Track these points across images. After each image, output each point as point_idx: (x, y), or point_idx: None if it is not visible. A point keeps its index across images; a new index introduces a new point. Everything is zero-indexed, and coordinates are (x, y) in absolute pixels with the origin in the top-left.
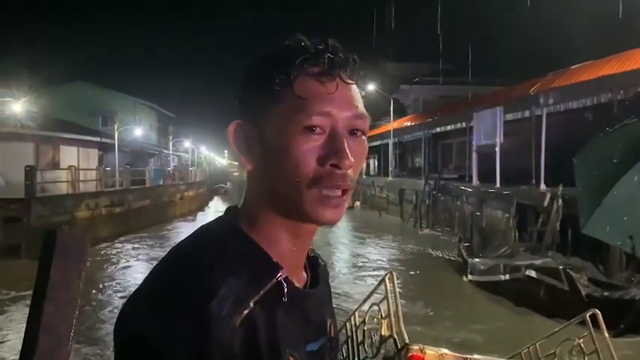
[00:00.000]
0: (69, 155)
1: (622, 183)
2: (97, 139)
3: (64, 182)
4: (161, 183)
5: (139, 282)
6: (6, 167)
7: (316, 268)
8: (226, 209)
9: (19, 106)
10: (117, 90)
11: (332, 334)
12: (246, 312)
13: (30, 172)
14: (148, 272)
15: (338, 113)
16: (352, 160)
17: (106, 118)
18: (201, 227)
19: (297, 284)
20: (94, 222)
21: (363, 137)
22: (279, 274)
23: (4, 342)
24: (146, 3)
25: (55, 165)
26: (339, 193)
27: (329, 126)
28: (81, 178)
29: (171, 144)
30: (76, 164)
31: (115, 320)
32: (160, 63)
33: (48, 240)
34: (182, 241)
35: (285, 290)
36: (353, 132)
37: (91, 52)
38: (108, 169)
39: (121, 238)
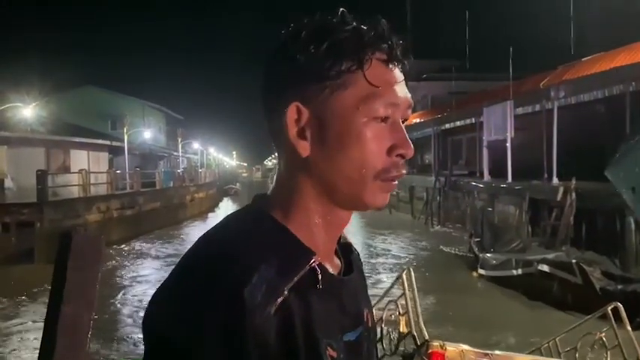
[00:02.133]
0: (79, 159)
1: None
2: (107, 142)
3: (75, 186)
4: (171, 185)
5: (153, 282)
6: (18, 172)
7: (349, 255)
8: (254, 197)
9: (29, 111)
10: (125, 93)
11: (370, 325)
12: (280, 299)
13: (41, 176)
14: (163, 272)
15: (401, 103)
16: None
17: (116, 121)
18: (228, 216)
19: (331, 271)
20: (105, 225)
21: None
22: (312, 260)
23: (22, 345)
24: (154, 6)
25: (65, 169)
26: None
27: (392, 115)
28: (92, 181)
29: (180, 146)
30: (86, 168)
31: (134, 318)
32: (168, 66)
33: (63, 242)
34: (210, 230)
35: (320, 277)
36: (402, 121)
37: (99, 57)
38: (118, 172)
39: (134, 240)
